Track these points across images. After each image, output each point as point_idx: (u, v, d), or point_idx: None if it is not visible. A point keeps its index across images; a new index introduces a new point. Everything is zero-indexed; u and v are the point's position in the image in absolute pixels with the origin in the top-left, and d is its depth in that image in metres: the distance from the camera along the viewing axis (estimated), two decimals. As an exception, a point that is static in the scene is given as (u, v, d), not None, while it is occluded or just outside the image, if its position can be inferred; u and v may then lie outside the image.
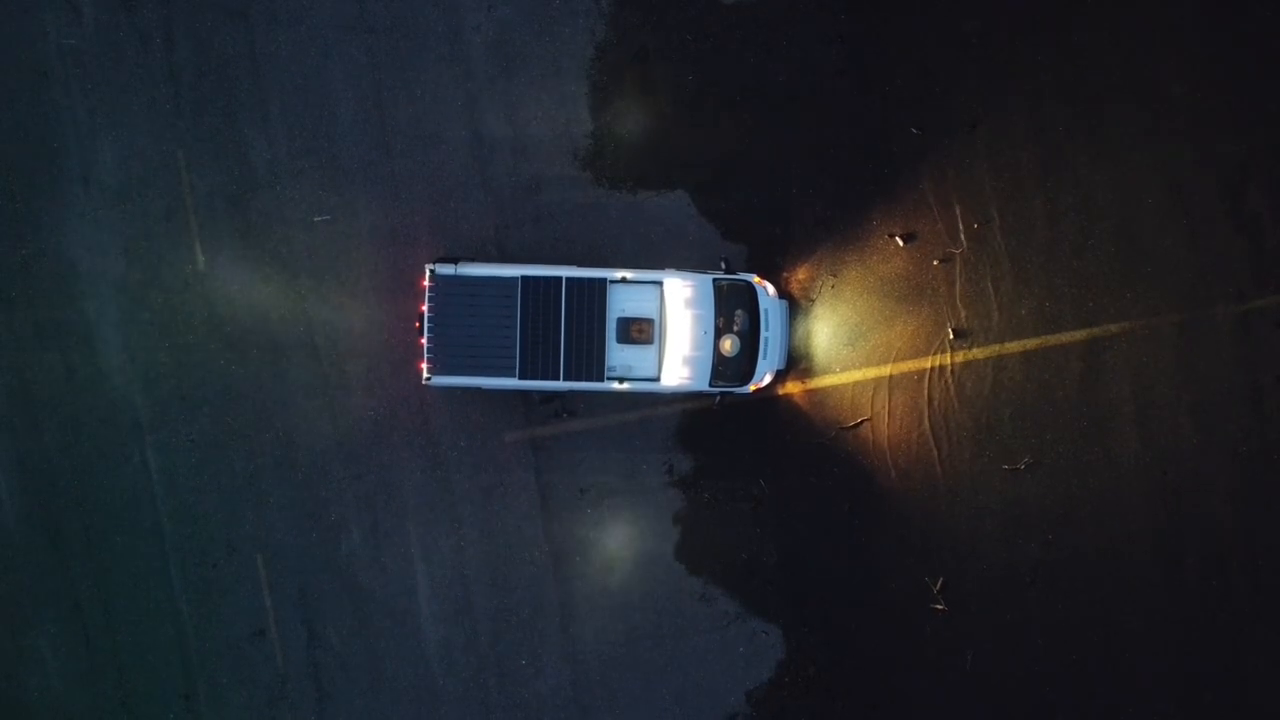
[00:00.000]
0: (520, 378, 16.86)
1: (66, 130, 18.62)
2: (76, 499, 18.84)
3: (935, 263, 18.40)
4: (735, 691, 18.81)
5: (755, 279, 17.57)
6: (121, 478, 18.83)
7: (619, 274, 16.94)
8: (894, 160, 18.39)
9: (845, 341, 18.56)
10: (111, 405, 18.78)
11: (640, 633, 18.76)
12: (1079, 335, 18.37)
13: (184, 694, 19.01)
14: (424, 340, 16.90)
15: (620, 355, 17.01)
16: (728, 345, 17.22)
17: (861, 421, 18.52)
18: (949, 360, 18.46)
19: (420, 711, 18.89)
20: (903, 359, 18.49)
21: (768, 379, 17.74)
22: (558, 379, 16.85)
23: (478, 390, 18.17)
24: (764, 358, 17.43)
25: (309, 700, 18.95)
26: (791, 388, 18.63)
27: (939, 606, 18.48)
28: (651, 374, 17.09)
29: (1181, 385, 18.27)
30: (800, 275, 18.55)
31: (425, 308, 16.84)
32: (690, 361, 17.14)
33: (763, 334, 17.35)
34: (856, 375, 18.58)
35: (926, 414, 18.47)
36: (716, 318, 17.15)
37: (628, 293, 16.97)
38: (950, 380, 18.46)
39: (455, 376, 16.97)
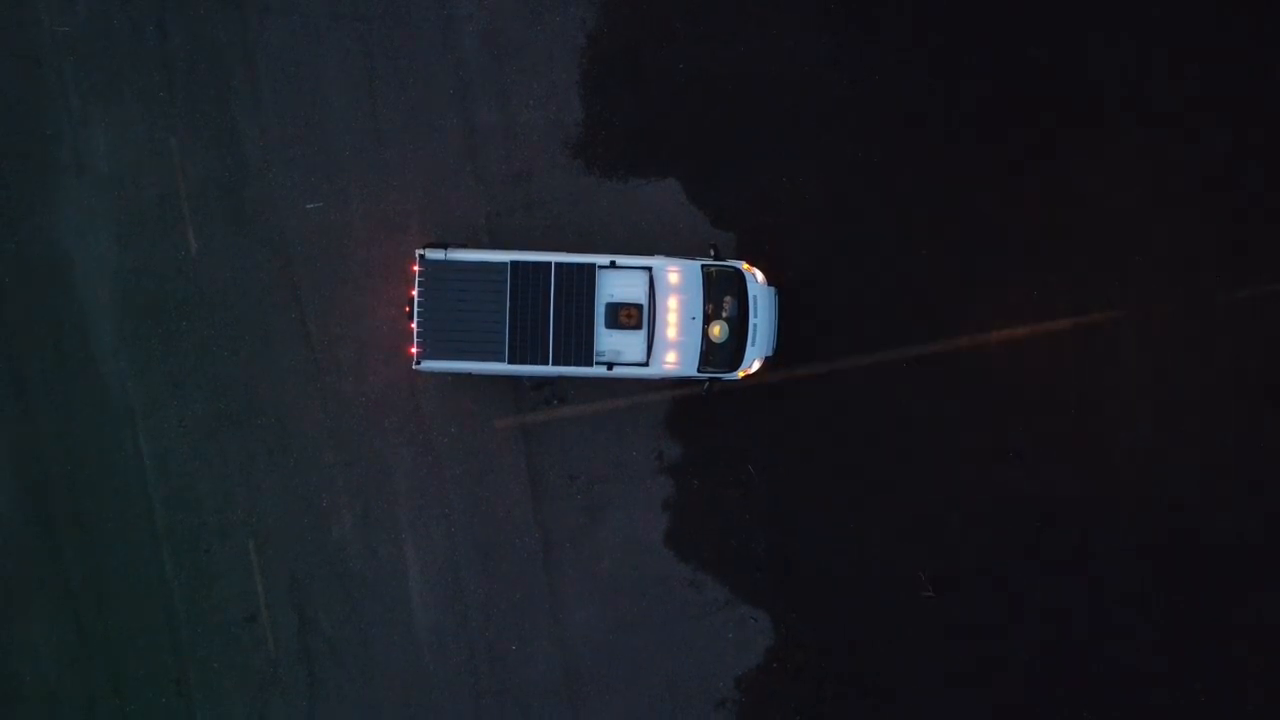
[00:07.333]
0: (509, 362, 16.92)
1: (60, 117, 18.68)
2: (69, 484, 18.89)
3: (924, 251, 18.44)
4: (724, 677, 18.84)
5: (744, 265, 17.62)
6: (114, 463, 18.88)
7: (608, 259, 17.00)
8: (884, 147, 18.43)
9: (834, 329, 18.60)
10: (104, 391, 18.84)
11: (630, 618, 18.80)
12: (1066, 324, 18.41)
13: (175, 679, 19.05)
14: (413, 324, 16.97)
15: (609, 340, 17.06)
16: (716, 331, 17.27)
17: (850, 409, 18.56)
18: (937, 348, 18.49)
19: (410, 697, 18.92)
20: (891, 346, 18.53)
21: (756, 365, 17.78)
22: (546, 364, 16.91)
23: (469, 376, 18.23)
24: (752, 344, 17.45)
25: (300, 685, 19.00)
26: (780, 374, 18.67)
27: (928, 594, 18.52)
28: (640, 359, 17.14)
29: (1169, 374, 18.32)
30: (789, 262, 18.57)
31: (414, 292, 16.92)
32: (678, 347, 17.18)
33: (751, 320, 17.37)
34: (846, 362, 18.62)
35: (915, 402, 18.51)
36: (705, 304, 17.20)
37: (617, 278, 17.03)
38: (939, 369, 18.50)
39: (444, 361, 17.04)
